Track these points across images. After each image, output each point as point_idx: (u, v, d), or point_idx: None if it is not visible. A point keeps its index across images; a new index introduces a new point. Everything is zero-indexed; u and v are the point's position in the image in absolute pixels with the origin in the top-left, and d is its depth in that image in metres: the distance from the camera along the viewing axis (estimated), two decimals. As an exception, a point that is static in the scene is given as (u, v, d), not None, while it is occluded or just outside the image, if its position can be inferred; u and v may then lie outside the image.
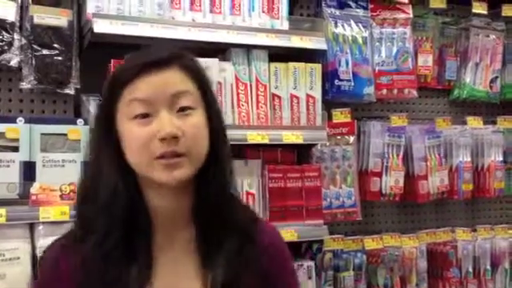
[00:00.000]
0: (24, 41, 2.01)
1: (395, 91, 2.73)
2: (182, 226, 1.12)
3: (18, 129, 1.92)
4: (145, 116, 1.05)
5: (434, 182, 2.82)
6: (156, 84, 1.05)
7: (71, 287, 1.06)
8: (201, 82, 1.12)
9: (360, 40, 2.64)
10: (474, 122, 3.00)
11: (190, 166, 1.05)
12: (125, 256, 1.06)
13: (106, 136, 1.09)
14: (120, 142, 1.08)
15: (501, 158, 3.01)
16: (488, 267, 2.92)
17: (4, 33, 1.98)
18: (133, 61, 1.10)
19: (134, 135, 1.05)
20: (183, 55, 1.12)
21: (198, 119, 1.08)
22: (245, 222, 1.15)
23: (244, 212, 1.19)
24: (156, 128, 1.03)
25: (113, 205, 1.06)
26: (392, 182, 2.71)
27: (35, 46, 2.01)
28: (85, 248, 1.05)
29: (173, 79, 1.07)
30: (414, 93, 2.76)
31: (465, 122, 3.01)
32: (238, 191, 1.21)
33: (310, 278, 2.38)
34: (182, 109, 1.06)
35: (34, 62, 2.00)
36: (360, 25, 2.67)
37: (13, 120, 1.94)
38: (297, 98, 2.41)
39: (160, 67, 1.06)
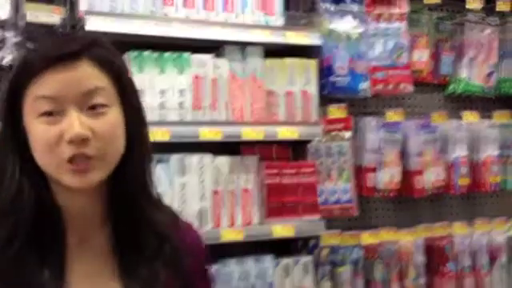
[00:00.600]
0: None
1: (391, 86, 2.73)
2: (97, 227, 1.05)
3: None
4: (51, 114, 0.94)
5: (430, 177, 2.82)
6: (64, 80, 0.94)
7: None
8: (117, 75, 1.01)
9: (355, 35, 2.64)
10: (470, 117, 3.01)
11: (102, 168, 0.97)
12: (34, 260, 0.98)
13: (11, 132, 0.98)
14: (27, 139, 0.98)
15: (497, 153, 3.01)
16: (485, 262, 2.92)
17: (-3, 31, 1.98)
18: (38, 53, 0.98)
19: (39, 135, 0.95)
20: (97, 45, 1.00)
21: (112, 117, 0.98)
22: (163, 223, 1.07)
23: (163, 212, 1.10)
24: (64, 128, 0.93)
25: (17, 206, 0.98)
26: (387, 177, 2.71)
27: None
28: None
29: (84, 75, 0.96)
30: (410, 88, 2.77)
31: (460, 117, 3.01)
32: (158, 191, 1.11)
33: (307, 273, 2.39)
34: (94, 107, 0.96)
35: (27, 60, 2.00)
36: (355, 20, 2.66)
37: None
38: (292, 94, 2.41)
39: (70, 61, 0.95)
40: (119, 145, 0.99)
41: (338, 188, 2.57)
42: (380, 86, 2.70)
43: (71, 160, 0.94)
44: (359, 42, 2.64)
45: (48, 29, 2.00)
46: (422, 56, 2.93)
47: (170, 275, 1.03)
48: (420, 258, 2.78)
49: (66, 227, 1.02)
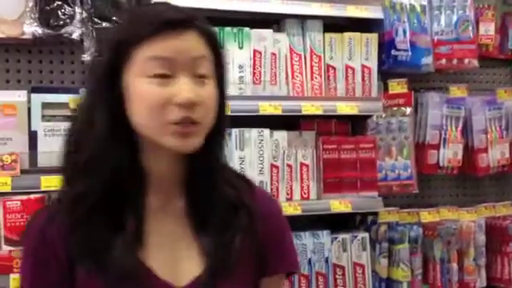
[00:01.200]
0: (85, 14, 2.07)
1: (455, 61, 2.65)
2: (176, 191, 1.08)
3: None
4: (163, 77, 0.98)
5: (495, 155, 2.74)
6: (177, 45, 0.98)
7: (61, 257, 1.02)
8: (216, 49, 1.06)
9: (418, 8, 2.57)
10: (538, 93, 2.89)
11: (202, 134, 1.01)
12: (113, 218, 1.01)
13: (105, 92, 1.00)
14: (123, 99, 1.00)
15: None
16: (549, 242, 2.83)
17: (66, 6, 2.04)
18: (147, 17, 1.02)
19: (148, 95, 0.97)
20: (200, 18, 1.04)
21: (212, 89, 1.03)
22: (240, 191, 1.11)
23: (239, 181, 1.15)
24: (175, 91, 0.97)
25: (98, 161, 1.00)
26: (450, 154, 2.65)
27: (95, 19, 2.06)
28: (70, 213, 1.01)
29: (193, 43, 1.00)
30: (475, 63, 2.67)
31: (527, 93, 2.90)
32: (229, 161, 1.18)
33: (364, 249, 2.38)
34: (200, 76, 1.01)
35: (94, 34, 2.06)
36: (418, -8, 2.59)
37: (76, 91, 2.00)
38: (352, 68, 2.38)
39: (181, 28, 0.99)
40: (214, 115, 1.04)
41: (398, 164, 2.54)
42: (443, 61, 2.62)
43: (178, 123, 0.98)
44: (422, 15, 2.57)
45: (114, 4, 2.05)
46: (488, 30, 2.83)
47: (245, 240, 1.07)
48: (481, 238, 2.71)
49: (149, 190, 1.06)
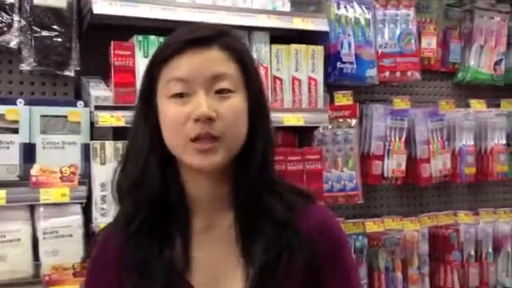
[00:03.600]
0: (23, 22, 1.99)
1: (398, 74, 2.71)
2: (221, 210, 1.09)
3: (18, 110, 1.92)
4: (182, 96, 1.02)
5: (437, 166, 2.81)
6: (195, 63, 1.02)
7: (113, 274, 1.08)
8: (243, 63, 1.07)
9: (363, 21, 2.61)
10: (478, 105, 2.99)
11: (224, 151, 1.02)
12: (162, 237, 1.05)
13: (146, 113, 1.07)
14: (158, 120, 1.06)
15: (504, 142, 2.99)
16: (490, 250, 2.92)
17: (3, 14, 1.97)
18: (173, 38, 1.07)
19: (170, 115, 1.02)
20: (226, 34, 1.08)
21: (236, 102, 1.03)
22: (283, 210, 1.08)
23: (294, 196, 1.11)
24: (192, 108, 1.00)
25: (142, 183, 1.05)
26: (394, 165, 2.70)
27: (35, 28, 1.99)
28: (122, 231, 1.08)
29: (213, 60, 1.03)
30: (417, 75, 2.74)
31: (468, 105, 2.99)
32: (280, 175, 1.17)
33: (310, 260, 2.39)
34: (221, 91, 1.03)
35: (33, 43, 1.99)
36: (363, 6, 2.63)
37: (13, 102, 1.93)
38: (298, 80, 2.39)
39: (200, 46, 1.03)
40: (241, 129, 1.05)
41: (343, 175, 2.57)
42: (387, 73, 2.68)
43: (196, 139, 1.00)
44: (367, 28, 2.62)
45: (54, 12, 1.99)
46: (430, 43, 2.91)
47: (293, 259, 1.04)
48: (425, 247, 2.77)
49: (194, 210, 1.08)
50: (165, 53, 1.05)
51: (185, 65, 1.02)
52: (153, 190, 1.05)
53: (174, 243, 1.05)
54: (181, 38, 1.04)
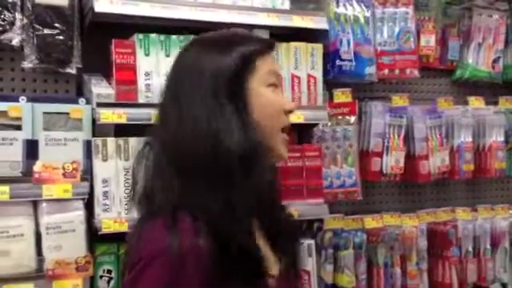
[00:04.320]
0: (25, 20, 2.01)
1: (397, 71, 2.73)
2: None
3: (21, 107, 1.94)
4: (276, 86, 1.18)
5: (435, 162, 2.83)
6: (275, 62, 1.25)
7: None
8: None
9: (362, 20, 2.63)
10: (476, 103, 3.01)
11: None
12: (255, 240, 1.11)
13: (232, 98, 1.11)
14: (247, 104, 1.13)
15: (502, 139, 3.01)
16: (488, 247, 2.94)
17: (6, 12, 1.98)
18: (255, 37, 1.28)
19: (272, 100, 1.15)
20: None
21: None
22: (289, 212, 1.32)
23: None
24: (284, 100, 1.19)
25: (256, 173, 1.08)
26: (393, 161, 2.72)
27: (36, 26, 2.01)
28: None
29: None
30: (416, 73, 2.76)
31: (466, 103, 3.01)
32: None
33: (310, 255, 2.41)
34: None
35: (35, 41, 2.01)
36: (362, 4, 2.65)
37: (15, 99, 1.95)
38: (298, 77, 2.41)
39: (274, 49, 1.24)
40: None
41: (342, 172, 2.59)
42: (386, 71, 2.70)
43: (283, 130, 1.17)
44: (366, 26, 2.64)
45: (56, 10, 2.01)
46: (429, 41, 2.92)
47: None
48: (423, 243, 2.80)
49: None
50: (258, 48, 1.17)
51: (273, 61, 1.21)
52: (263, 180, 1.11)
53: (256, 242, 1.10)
54: (264, 39, 1.29)
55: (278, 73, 1.20)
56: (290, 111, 1.17)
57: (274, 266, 1.17)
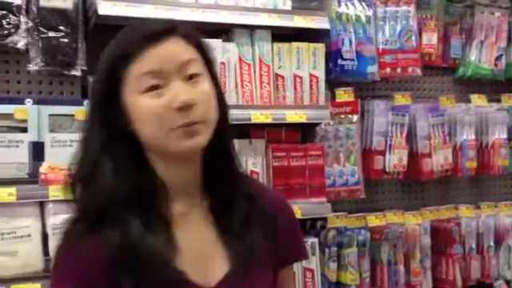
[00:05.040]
0: (30, 23, 2.04)
1: (399, 70, 2.74)
2: (198, 194, 1.14)
3: (27, 110, 1.97)
4: (156, 88, 1.03)
5: (438, 160, 2.84)
6: (163, 55, 1.04)
7: (100, 275, 1.02)
8: (203, 49, 1.11)
9: (364, 19, 2.65)
10: (478, 100, 3.01)
11: (205, 131, 1.05)
12: (141, 229, 1.04)
13: (109, 112, 1.06)
14: (125, 117, 1.05)
15: (505, 136, 3.02)
16: (491, 244, 2.95)
17: (11, 16, 2.01)
18: (131, 36, 1.07)
19: (147, 108, 1.02)
20: (179, 25, 1.10)
21: (207, 86, 1.07)
22: (254, 191, 1.18)
23: (250, 181, 1.23)
24: (170, 98, 1.02)
25: (120, 178, 1.05)
26: (396, 160, 2.73)
27: (41, 29, 2.04)
28: (104, 234, 1.03)
29: (177, 48, 1.05)
30: (418, 71, 2.77)
31: (469, 100, 3.02)
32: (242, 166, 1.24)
33: (313, 254, 2.43)
34: (191, 76, 1.06)
35: (40, 44, 2.04)
36: (364, 3, 2.67)
37: (21, 101, 1.98)
38: (300, 77, 2.43)
39: (162, 38, 1.04)
40: (214, 111, 1.08)
41: (345, 170, 2.61)
42: (388, 70, 2.71)
43: (180, 126, 1.03)
44: (368, 25, 2.65)
45: (60, 13, 2.04)
46: (431, 39, 2.94)
47: (264, 235, 1.14)
48: (426, 240, 2.81)
49: (171, 197, 1.10)
50: (128, 50, 1.04)
51: (153, 57, 1.03)
52: (132, 182, 1.05)
53: (159, 233, 1.05)
54: (140, 35, 1.05)
55: (156, 70, 1.03)
56: (181, 107, 1.01)
57: (219, 266, 1.10)
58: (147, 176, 1.08)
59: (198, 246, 1.11)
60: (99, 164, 1.05)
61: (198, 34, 1.13)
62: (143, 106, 1.03)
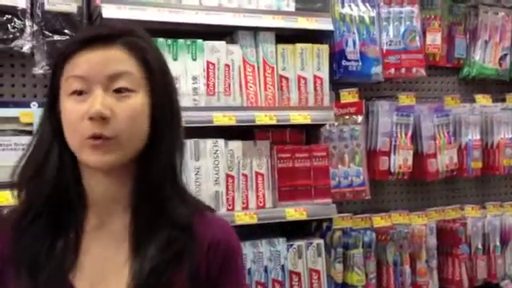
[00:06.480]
0: (35, 27, 2.05)
1: (403, 70, 2.74)
2: (118, 212, 1.06)
3: (32, 113, 1.97)
4: (81, 93, 0.99)
5: (443, 160, 2.84)
6: (94, 61, 0.99)
7: (8, 265, 1.02)
8: (146, 61, 1.04)
9: (367, 19, 2.65)
10: (483, 100, 3.01)
11: (119, 150, 0.99)
12: (48, 234, 1.02)
13: (49, 112, 1.05)
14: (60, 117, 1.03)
15: (510, 136, 3.02)
16: (497, 244, 2.94)
17: (16, 20, 2.02)
18: (76, 36, 1.06)
19: (67, 112, 1.00)
20: (129, 33, 1.05)
21: (135, 102, 1.01)
22: (186, 214, 1.06)
23: (187, 203, 1.09)
24: (87, 106, 0.98)
25: (39, 176, 1.03)
26: (401, 160, 2.73)
27: (46, 32, 2.05)
28: (16, 223, 1.04)
29: (113, 58, 1.01)
30: (422, 71, 2.77)
31: (474, 100, 3.02)
32: (187, 184, 1.12)
33: (319, 255, 2.43)
34: (119, 90, 1.00)
35: (45, 47, 2.04)
36: (367, 4, 2.67)
37: (27, 104, 1.99)
38: (304, 78, 2.43)
39: (101, 44, 1.00)
40: (140, 130, 1.02)
41: (350, 171, 2.60)
42: (392, 70, 2.71)
43: (91, 138, 0.98)
44: (371, 26, 2.65)
45: (65, 16, 2.05)
46: (435, 39, 2.93)
47: (180, 268, 1.02)
48: (432, 241, 2.80)
49: (88, 208, 1.06)
50: (67, 50, 1.02)
51: (84, 62, 0.99)
52: (46, 184, 1.03)
53: (68, 241, 1.02)
54: (82, 37, 1.03)
55: (82, 75, 0.99)
56: (93, 117, 0.96)
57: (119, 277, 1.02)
58: (71, 181, 1.04)
59: (102, 264, 1.04)
60: (42, 162, 1.04)
61: (148, 44, 1.07)
62: (67, 108, 1.01)
